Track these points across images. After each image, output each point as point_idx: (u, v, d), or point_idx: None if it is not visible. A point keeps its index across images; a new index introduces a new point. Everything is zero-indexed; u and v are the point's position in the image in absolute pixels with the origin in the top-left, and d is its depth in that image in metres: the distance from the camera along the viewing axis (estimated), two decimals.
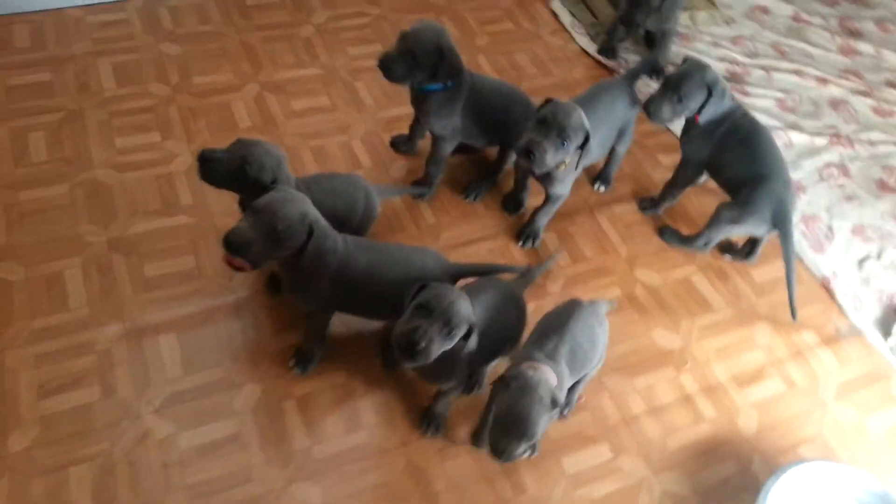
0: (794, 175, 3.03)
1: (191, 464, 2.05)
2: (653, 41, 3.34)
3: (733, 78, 3.44)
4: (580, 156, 2.33)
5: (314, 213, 1.94)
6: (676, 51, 3.50)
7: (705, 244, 2.68)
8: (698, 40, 3.59)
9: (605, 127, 2.57)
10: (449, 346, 1.79)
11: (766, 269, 2.76)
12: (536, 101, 2.50)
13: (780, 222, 2.47)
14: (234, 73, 3.04)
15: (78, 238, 2.43)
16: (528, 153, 2.22)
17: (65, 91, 2.84)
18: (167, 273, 2.40)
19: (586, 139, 2.29)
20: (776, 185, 2.48)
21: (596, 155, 2.64)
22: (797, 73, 3.49)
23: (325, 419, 2.18)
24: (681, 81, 2.44)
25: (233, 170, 1.99)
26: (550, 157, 2.24)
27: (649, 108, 2.47)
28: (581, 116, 2.25)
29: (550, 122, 2.21)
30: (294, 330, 2.34)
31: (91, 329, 2.25)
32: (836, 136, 3.22)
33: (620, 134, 2.71)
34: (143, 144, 2.73)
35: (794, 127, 3.25)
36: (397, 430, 2.19)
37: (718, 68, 3.46)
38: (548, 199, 2.59)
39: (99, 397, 2.13)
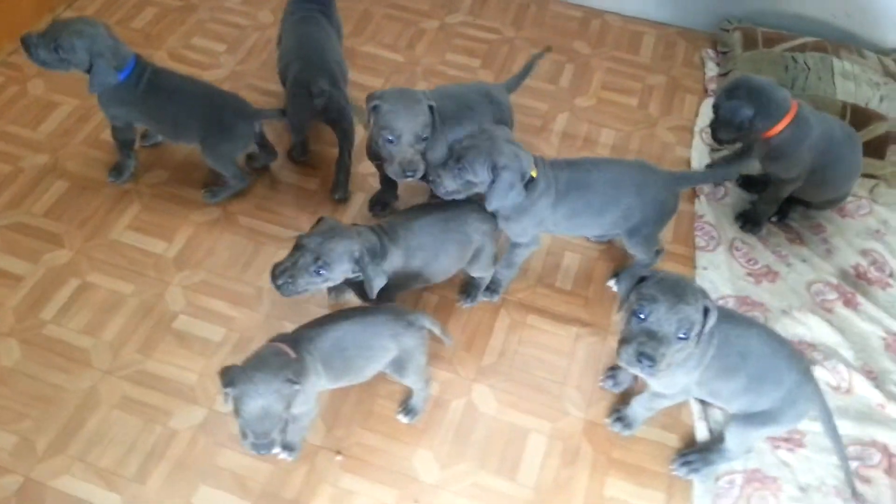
0: None
1: None
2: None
3: (856, 279, 2.46)
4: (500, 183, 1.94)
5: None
6: (813, 215, 2.63)
7: None
8: (857, 218, 2.62)
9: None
10: (319, 281, 1.85)
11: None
12: None
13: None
14: None
15: None
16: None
17: None
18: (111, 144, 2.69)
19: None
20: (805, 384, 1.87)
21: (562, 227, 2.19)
22: None
23: (81, 311, 2.26)
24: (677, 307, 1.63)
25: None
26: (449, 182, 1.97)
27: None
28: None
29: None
30: (151, 235, 2.45)
31: (32, 151, 2.66)
32: None
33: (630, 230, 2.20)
34: (207, 48, 3.06)
35: (871, 375, 2.22)
36: (113, 359, 2.17)
37: (847, 259, 2.51)
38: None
39: None
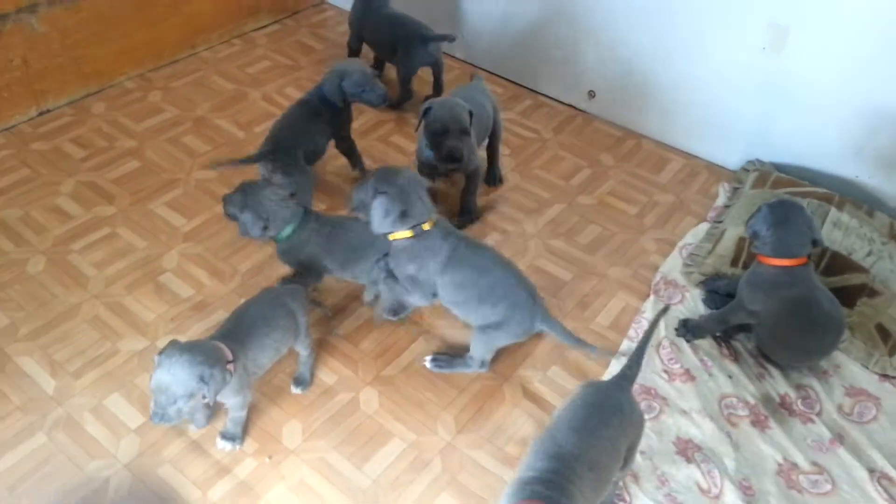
0: None
1: None
2: None
3: (777, 406, 2.43)
4: None
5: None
6: None
7: None
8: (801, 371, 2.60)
9: None
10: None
11: None
12: None
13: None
14: None
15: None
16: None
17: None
18: (185, 145, 3.34)
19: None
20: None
21: None
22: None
23: (101, 250, 2.83)
24: None
25: None
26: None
27: None
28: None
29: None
30: (177, 212, 3.01)
31: (126, 136, 3.37)
32: None
33: None
34: (294, 97, 3.69)
35: (748, 490, 2.18)
36: (103, 288, 2.69)
37: (777, 387, 2.49)
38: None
39: None
